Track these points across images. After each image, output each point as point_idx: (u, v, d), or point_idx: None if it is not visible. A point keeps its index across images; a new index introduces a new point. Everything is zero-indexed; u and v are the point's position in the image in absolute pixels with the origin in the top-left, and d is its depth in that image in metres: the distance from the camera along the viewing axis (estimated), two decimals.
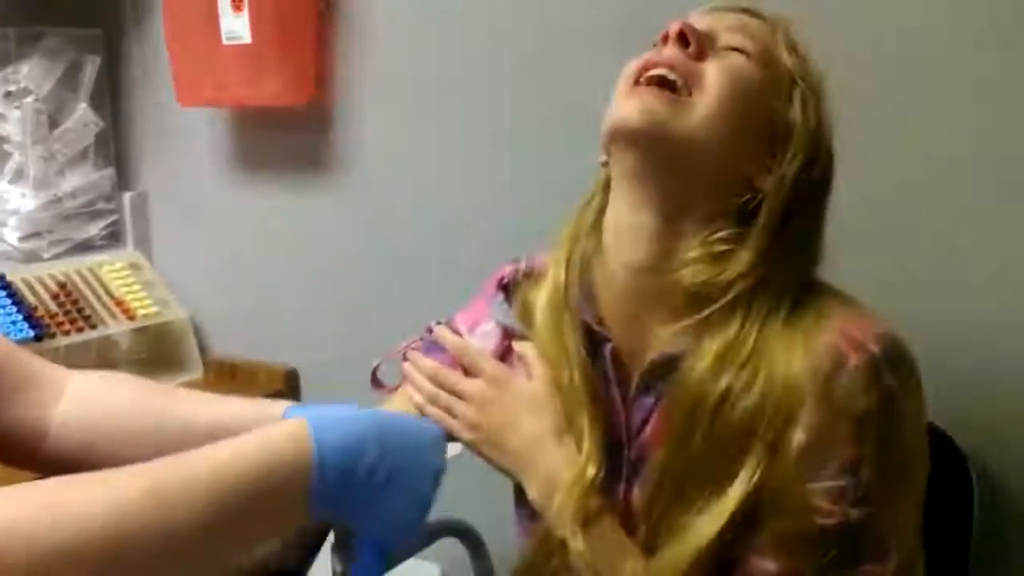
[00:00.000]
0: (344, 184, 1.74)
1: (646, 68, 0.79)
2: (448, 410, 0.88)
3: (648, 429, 0.83)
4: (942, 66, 1.17)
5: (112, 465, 0.70)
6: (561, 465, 0.82)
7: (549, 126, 1.47)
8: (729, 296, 0.78)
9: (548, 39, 1.45)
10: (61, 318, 1.75)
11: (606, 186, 0.87)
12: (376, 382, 0.96)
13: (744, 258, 0.79)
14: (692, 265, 0.80)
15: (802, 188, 0.81)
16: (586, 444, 0.82)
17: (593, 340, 0.86)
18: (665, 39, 0.81)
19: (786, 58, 0.82)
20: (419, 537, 0.77)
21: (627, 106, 0.78)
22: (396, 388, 0.95)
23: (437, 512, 1.45)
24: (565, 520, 0.79)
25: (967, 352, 1.20)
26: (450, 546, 1.49)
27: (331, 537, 1.24)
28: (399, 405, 0.91)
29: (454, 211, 1.62)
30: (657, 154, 0.79)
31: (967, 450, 1.14)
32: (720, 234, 0.80)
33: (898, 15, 1.19)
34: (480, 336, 0.92)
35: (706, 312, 0.79)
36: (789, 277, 0.80)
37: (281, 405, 0.86)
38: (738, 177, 0.80)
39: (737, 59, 0.80)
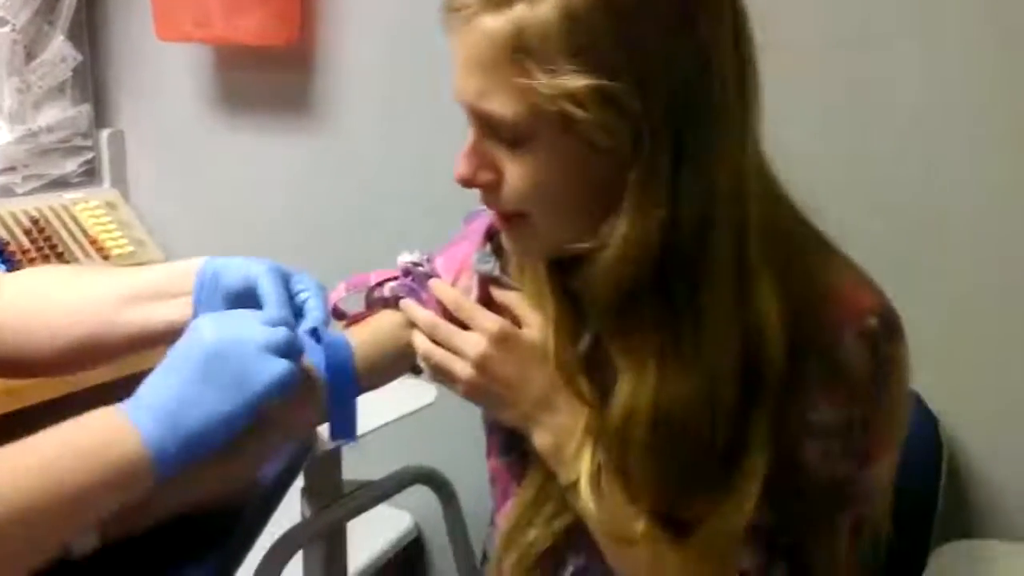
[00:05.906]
0: (324, 126, 1.71)
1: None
2: (443, 365, 0.83)
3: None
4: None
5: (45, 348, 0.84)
6: (569, 416, 0.80)
7: None
8: (643, 286, 0.73)
9: None
10: (33, 254, 1.73)
11: None
12: (337, 312, 0.91)
13: (622, 231, 0.70)
14: (588, 272, 0.74)
15: (676, 105, 0.68)
16: (586, 393, 0.80)
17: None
18: None
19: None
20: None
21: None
22: (361, 317, 0.91)
23: (408, 460, 1.47)
24: (576, 470, 0.78)
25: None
26: (421, 494, 1.49)
27: (300, 481, 1.24)
28: (368, 336, 0.87)
29: (434, 155, 1.58)
30: None
31: (937, 414, 1.16)
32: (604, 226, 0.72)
33: None
34: (462, 291, 0.88)
35: (639, 316, 0.74)
36: (711, 228, 0.70)
37: (193, 264, 0.83)
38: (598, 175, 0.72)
39: (523, 163, 0.77)
